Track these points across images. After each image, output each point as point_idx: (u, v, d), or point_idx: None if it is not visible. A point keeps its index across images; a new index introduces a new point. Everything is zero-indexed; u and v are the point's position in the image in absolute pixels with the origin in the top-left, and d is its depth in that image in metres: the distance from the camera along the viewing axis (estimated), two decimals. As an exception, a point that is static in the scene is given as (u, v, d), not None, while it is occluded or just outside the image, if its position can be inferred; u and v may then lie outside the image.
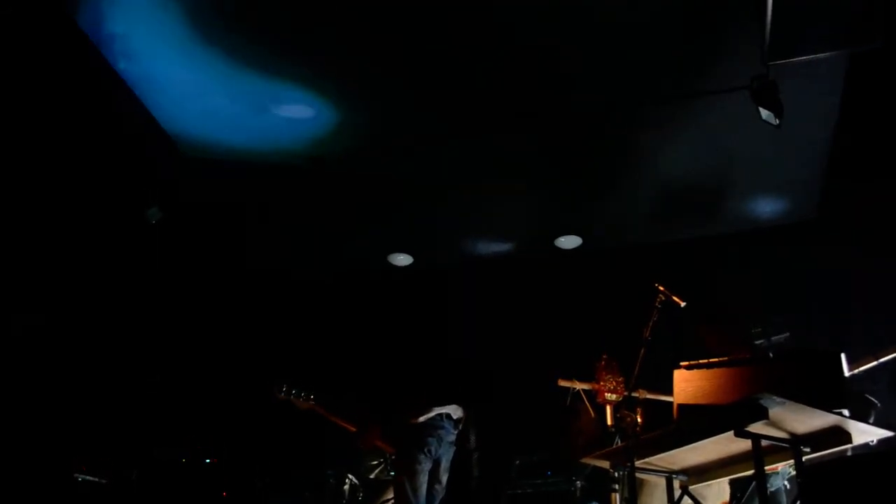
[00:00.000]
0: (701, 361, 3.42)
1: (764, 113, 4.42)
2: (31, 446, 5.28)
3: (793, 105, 4.52)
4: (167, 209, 6.00)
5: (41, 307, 5.66)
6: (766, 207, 6.46)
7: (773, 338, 4.35)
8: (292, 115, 5.40)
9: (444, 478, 4.60)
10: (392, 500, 4.80)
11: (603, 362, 4.36)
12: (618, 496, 4.10)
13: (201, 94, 5.23)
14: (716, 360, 3.41)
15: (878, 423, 3.25)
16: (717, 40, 4.73)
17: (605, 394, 4.29)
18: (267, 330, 7.02)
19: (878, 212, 5.71)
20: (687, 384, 3.42)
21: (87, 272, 5.94)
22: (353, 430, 4.95)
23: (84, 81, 4.94)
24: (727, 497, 4.09)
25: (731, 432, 3.05)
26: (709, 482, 3.75)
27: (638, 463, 3.58)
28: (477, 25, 4.69)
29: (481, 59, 4.94)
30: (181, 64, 4.95)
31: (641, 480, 4.04)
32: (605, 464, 3.81)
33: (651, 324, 3.92)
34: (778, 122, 4.37)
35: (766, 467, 3.23)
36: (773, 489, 4.01)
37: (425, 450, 4.47)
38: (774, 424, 3.06)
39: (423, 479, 4.46)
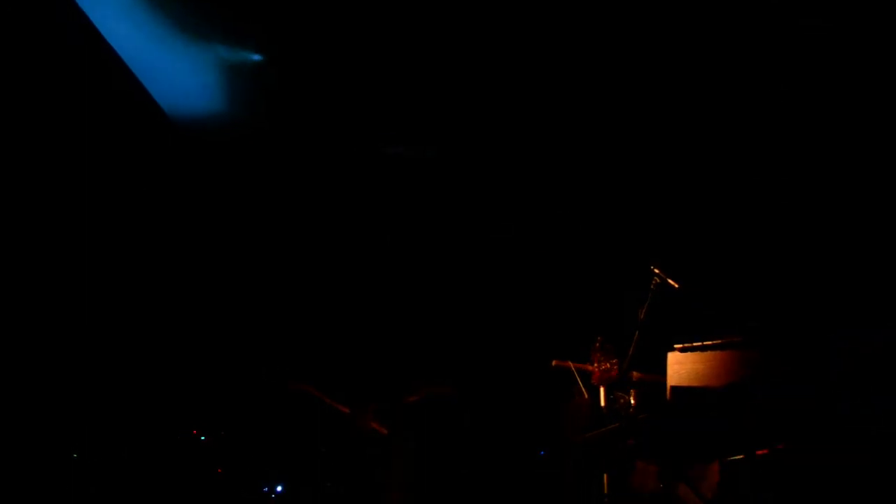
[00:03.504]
0: (695, 344, 3.44)
1: None
2: (30, 424, 5.30)
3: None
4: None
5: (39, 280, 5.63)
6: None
7: (767, 322, 4.36)
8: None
9: (438, 457, 4.62)
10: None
11: (597, 344, 4.37)
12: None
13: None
14: (710, 342, 3.42)
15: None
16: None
17: (599, 375, 4.30)
18: (261, 312, 6.99)
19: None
20: (680, 366, 3.44)
21: (79, 246, 5.90)
22: (346, 411, 4.96)
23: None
24: (717, 478, 4.12)
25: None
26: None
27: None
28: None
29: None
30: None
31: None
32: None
33: (646, 306, 3.91)
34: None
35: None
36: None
37: (418, 430, 4.49)
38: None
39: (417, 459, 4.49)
